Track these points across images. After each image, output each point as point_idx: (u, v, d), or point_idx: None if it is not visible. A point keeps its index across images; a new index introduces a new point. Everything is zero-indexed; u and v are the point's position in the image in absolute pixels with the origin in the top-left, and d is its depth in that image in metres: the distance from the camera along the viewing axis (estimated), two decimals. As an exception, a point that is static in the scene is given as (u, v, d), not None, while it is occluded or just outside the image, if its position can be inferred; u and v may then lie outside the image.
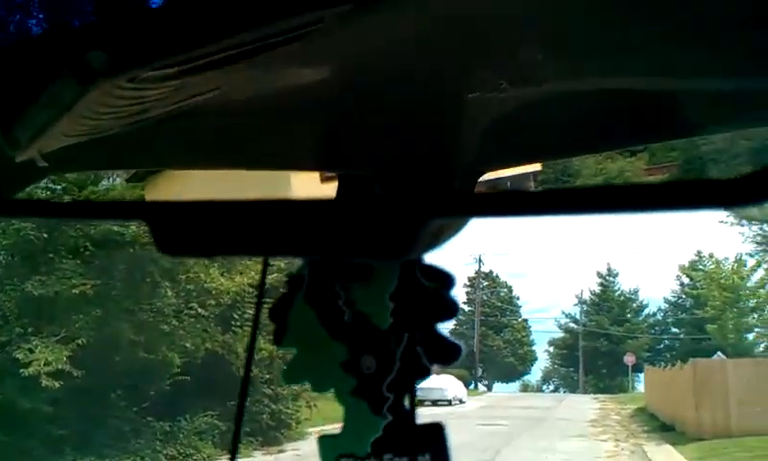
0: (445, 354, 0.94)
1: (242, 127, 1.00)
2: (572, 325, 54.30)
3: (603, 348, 49.64)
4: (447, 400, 29.72)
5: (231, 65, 0.64)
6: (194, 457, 15.90)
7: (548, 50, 0.80)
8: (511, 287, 56.56)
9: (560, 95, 0.91)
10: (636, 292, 52.16)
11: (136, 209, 0.80)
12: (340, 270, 0.96)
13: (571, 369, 54.19)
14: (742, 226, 33.71)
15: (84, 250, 14.30)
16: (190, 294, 16.65)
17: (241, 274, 17.08)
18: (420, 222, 0.60)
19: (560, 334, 55.44)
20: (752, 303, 38.58)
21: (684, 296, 47.67)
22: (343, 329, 0.97)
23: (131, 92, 0.66)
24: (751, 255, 38.11)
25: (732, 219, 32.67)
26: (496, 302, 54.76)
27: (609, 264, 52.94)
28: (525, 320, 56.88)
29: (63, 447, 14.00)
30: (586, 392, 47.43)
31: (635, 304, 51.93)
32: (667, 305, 50.34)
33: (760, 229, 32.47)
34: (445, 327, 0.98)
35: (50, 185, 12.71)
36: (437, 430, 0.95)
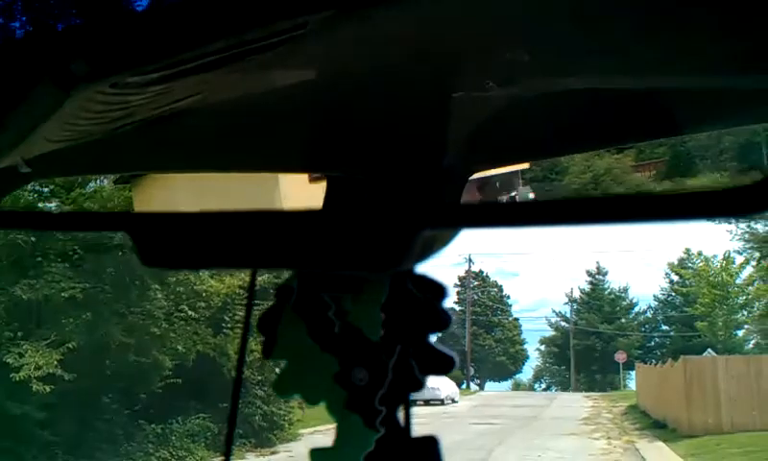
0: (439, 366, 0.92)
1: (228, 129, 0.99)
2: (563, 323, 54.41)
3: (594, 346, 49.76)
4: (440, 400, 29.76)
5: (214, 70, 0.64)
6: (186, 460, 15.87)
7: (534, 50, 0.80)
8: (501, 286, 56.71)
9: (547, 95, 0.91)
10: (625, 290, 52.34)
11: (118, 221, 0.78)
12: (330, 281, 0.94)
13: (563, 367, 54.29)
14: (730, 223, 33.88)
15: (73, 253, 14.26)
16: (180, 296, 16.62)
17: (231, 276, 17.05)
18: (411, 233, 0.59)
19: (551, 333, 55.57)
20: (741, 299, 38.73)
21: (673, 294, 47.82)
22: (333, 341, 0.95)
23: (113, 98, 0.66)
24: (739, 253, 38.24)
25: (720, 217, 32.63)
26: (487, 301, 54.82)
27: (598, 263, 53.14)
28: (516, 319, 57.04)
29: (55, 450, 13.95)
30: (577, 390, 47.52)
31: (625, 303, 52.04)
32: (657, 303, 50.52)
33: (748, 226, 32.57)
34: (437, 328, 0.96)
35: (37, 188, 12.67)
36: (431, 444, 0.93)
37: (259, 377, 16.66)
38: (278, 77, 0.83)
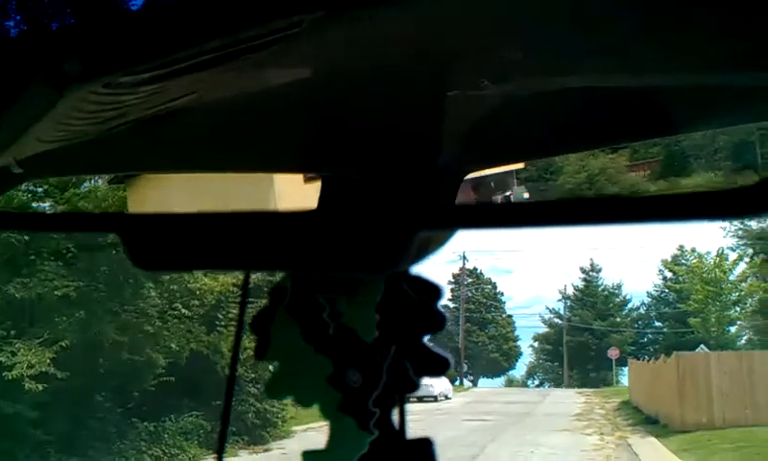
0: (434, 368, 0.90)
1: (223, 129, 0.98)
2: (556, 320, 54.54)
3: (587, 342, 49.86)
4: (433, 397, 29.77)
5: (209, 70, 0.63)
6: (179, 457, 15.85)
7: (529, 49, 0.80)
8: (495, 283, 56.77)
9: (542, 94, 0.90)
10: (619, 287, 52.46)
11: (109, 222, 0.78)
12: (324, 282, 0.93)
13: (556, 364, 54.40)
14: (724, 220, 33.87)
15: (67, 252, 14.22)
16: (174, 294, 16.60)
17: (225, 274, 17.03)
18: (407, 235, 0.58)
19: (544, 329, 55.71)
20: (734, 296, 38.84)
21: (666, 290, 47.88)
22: (327, 343, 0.93)
23: (106, 97, 0.65)
24: (732, 249, 38.42)
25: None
26: (481, 298, 54.87)
27: (592, 259, 53.26)
28: (510, 316, 57.09)
29: (48, 449, 13.92)
30: (570, 386, 47.60)
31: (618, 299, 52.14)
32: (650, 300, 50.61)
33: (742, 223, 32.72)
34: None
35: (30, 188, 12.64)
36: (426, 446, 0.92)
37: (252, 375, 16.65)
38: (273, 76, 0.82)
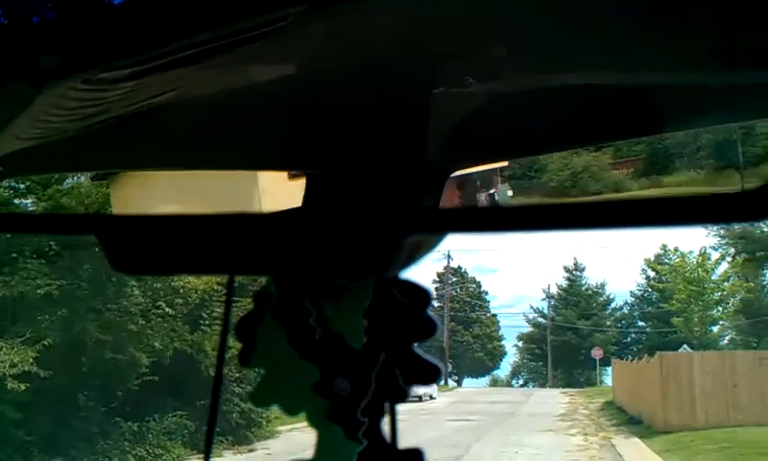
0: (423, 375, 0.89)
1: (206, 126, 0.97)
2: (540, 319, 54.71)
3: (571, 342, 50.06)
4: (418, 397, 29.77)
5: (191, 66, 0.62)
6: (163, 457, 15.79)
7: (517, 47, 0.79)
8: (479, 282, 56.93)
9: (530, 92, 0.90)
10: (602, 286, 52.72)
11: (87, 223, 0.76)
12: (310, 286, 0.90)
13: (540, 363, 54.59)
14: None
15: (49, 250, 14.13)
16: (157, 293, 16.52)
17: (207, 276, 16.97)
18: (395, 240, 0.57)
19: (528, 329, 55.88)
20: (716, 295, 39.09)
21: (649, 289, 48.11)
22: (314, 349, 0.91)
23: (86, 93, 0.64)
24: (715, 249, 38.73)
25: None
26: (465, 297, 54.97)
27: (575, 259, 53.54)
28: (494, 315, 57.27)
29: (31, 449, 13.82)
30: (554, 386, 47.79)
31: (601, 298, 52.39)
32: (634, 299, 50.83)
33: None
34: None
35: (12, 184, 12.54)
36: (415, 456, 0.90)
37: (237, 375, 16.58)
38: (257, 72, 0.81)
